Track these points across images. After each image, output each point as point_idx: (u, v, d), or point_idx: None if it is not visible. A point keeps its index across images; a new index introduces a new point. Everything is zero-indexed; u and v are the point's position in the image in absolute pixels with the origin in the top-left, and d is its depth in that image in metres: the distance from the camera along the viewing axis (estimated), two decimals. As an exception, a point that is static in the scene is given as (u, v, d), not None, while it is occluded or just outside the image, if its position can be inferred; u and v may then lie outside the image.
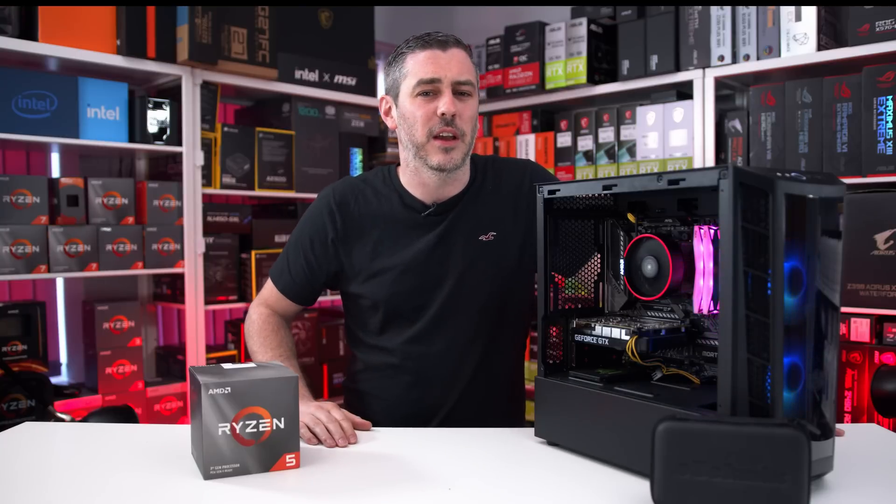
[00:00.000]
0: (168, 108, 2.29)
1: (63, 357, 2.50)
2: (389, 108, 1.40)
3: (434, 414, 1.39)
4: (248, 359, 2.56)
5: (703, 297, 1.03)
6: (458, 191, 1.40)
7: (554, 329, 1.16)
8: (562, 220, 1.18)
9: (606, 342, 1.08)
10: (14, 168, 2.36)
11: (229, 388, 0.98)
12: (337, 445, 1.13)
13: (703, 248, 1.03)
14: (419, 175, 1.37)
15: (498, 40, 2.88)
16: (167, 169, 2.46)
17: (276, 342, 1.41)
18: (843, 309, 1.97)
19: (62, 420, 1.77)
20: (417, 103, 1.31)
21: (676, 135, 2.45)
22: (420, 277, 1.36)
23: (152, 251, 2.30)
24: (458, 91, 1.31)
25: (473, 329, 1.37)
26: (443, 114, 1.29)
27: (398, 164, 1.45)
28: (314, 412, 1.19)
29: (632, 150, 2.57)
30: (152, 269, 2.30)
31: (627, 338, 1.04)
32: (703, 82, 2.36)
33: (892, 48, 1.98)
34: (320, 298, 2.62)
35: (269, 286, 1.49)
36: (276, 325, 1.44)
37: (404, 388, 1.39)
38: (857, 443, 1.10)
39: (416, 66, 1.31)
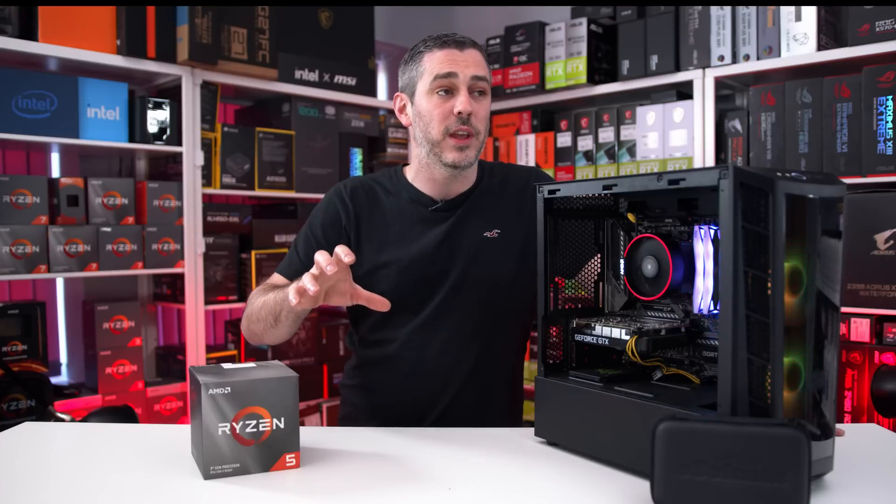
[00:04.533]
0: (168, 108, 2.29)
1: (63, 357, 2.51)
2: (404, 105, 1.43)
3: (432, 407, 1.39)
4: (248, 359, 2.57)
5: (703, 297, 1.03)
6: (466, 188, 1.43)
7: (554, 329, 1.16)
8: (562, 220, 1.18)
9: (606, 342, 1.08)
10: (14, 168, 2.36)
11: (229, 388, 0.98)
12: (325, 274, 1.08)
13: (703, 248, 1.03)
14: (430, 171, 1.40)
15: (498, 40, 2.88)
16: (167, 169, 2.46)
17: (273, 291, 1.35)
18: (843, 309, 1.97)
19: (62, 420, 1.77)
20: (434, 101, 1.34)
21: (676, 135, 2.45)
22: (426, 270, 1.38)
23: (152, 251, 2.30)
24: (474, 89, 1.35)
25: (474, 323, 1.38)
26: (459, 112, 1.32)
27: (404, 165, 1.48)
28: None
29: (632, 150, 2.57)
30: (152, 269, 2.31)
31: (627, 338, 1.04)
32: (703, 82, 2.36)
33: (892, 48, 1.99)
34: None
35: (272, 280, 1.44)
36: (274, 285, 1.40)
37: (403, 379, 1.39)
38: (857, 443, 1.10)
39: (433, 63, 1.34)
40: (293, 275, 1.42)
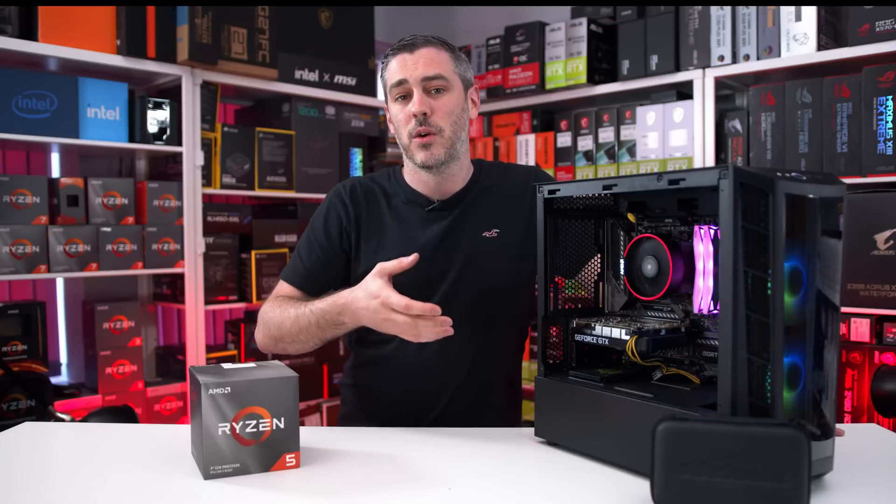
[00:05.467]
0: (168, 108, 2.29)
1: (63, 357, 2.51)
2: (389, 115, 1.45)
3: (430, 407, 1.39)
4: (248, 359, 2.57)
5: (703, 297, 1.03)
6: (460, 187, 1.43)
7: (554, 329, 1.16)
8: (562, 220, 1.18)
9: (606, 342, 1.08)
10: (14, 168, 2.36)
11: (229, 388, 0.98)
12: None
13: (703, 248, 1.03)
14: (417, 174, 1.42)
15: (498, 40, 2.88)
16: (167, 169, 2.46)
17: (295, 304, 1.35)
18: (843, 309, 1.97)
19: (62, 420, 1.77)
20: (397, 108, 1.38)
21: (676, 135, 2.45)
22: (425, 270, 1.37)
23: (152, 251, 2.30)
24: (430, 88, 1.35)
25: (472, 323, 1.38)
26: (414, 114, 1.33)
27: (402, 166, 1.49)
28: (375, 313, 1.16)
29: (632, 150, 2.57)
30: (152, 269, 2.30)
31: (627, 338, 1.04)
32: (703, 82, 2.36)
33: (892, 48, 1.99)
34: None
35: (281, 290, 1.44)
36: (290, 299, 1.40)
37: (401, 379, 1.39)
38: (857, 443, 1.10)
39: (389, 72, 1.38)
40: (299, 282, 1.43)
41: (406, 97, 1.36)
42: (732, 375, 0.85)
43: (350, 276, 1.44)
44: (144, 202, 2.30)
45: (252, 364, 1.10)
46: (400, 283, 1.37)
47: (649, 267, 1.08)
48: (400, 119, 1.37)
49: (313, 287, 1.43)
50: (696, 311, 1.05)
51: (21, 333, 2.09)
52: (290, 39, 2.63)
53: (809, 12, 2.15)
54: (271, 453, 1.01)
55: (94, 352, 2.27)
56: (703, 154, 2.36)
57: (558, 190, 1.12)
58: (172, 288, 2.47)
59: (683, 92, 2.50)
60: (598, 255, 1.22)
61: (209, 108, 2.42)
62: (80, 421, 1.73)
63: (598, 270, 1.22)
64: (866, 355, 1.96)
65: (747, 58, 2.27)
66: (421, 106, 1.33)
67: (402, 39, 1.38)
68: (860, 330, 2.00)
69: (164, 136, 2.29)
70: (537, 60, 2.74)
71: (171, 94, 2.36)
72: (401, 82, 1.35)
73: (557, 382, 1.11)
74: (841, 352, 1.98)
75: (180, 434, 1.18)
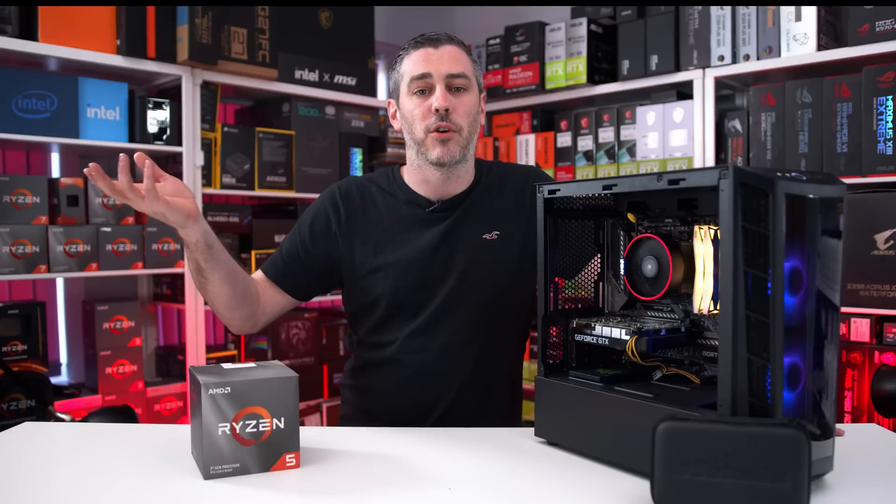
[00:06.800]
0: (168, 108, 2.29)
1: (63, 357, 2.51)
2: (395, 110, 1.44)
3: (431, 409, 1.39)
4: (248, 359, 2.57)
5: (703, 297, 1.03)
6: (462, 189, 1.42)
7: (554, 329, 1.16)
8: (562, 220, 1.18)
9: (606, 342, 1.08)
10: (14, 168, 2.36)
11: (229, 388, 0.98)
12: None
13: (702, 248, 1.03)
14: (422, 172, 1.40)
15: (498, 40, 2.88)
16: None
17: None
18: (843, 309, 1.97)
19: (62, 420, 1.77)
20: (414, 101, 1.36)
21: (676, 135, 2.45)
22: (424, 272, 1.37)
23: (152, 251, 2.30)
24: (452, 85, 1.35)
25: (473, 325, 1.38)
26: (437, 109, 1.32)
27: (401, 165, 1.48)
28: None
29: (632, 150, 2.57)
30: (152, 269, 2.31)
31: (627, 338, 1.04)
32: (703, 82, 2.36)
33: (892, 48, 1.99)
34: (320, 298, 2.62)
35: (256, 276, 1.45)
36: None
37: (402, 382, 1.39)
38: (857, 443, 1.10)
39: (410, 65, 1.36)
40: (274, 274, 1.43)
41: (425, 91, 1.35)
42: (732, 375, 0.85)
43: (344, 276, 1.43)
44: (144, 202, 2.30)
45: (252, 364, 1.10)
46: (399, 285, 1.37)
47: (649, 267, 1.08)
48: (416, 114, 1.35)
49: (287, 282, 1.43)
50: (695, 311, 1.05)
51: (21, 333, 2.09)
52: (290, 39, 2.63)
53: (809, 12, 2.15)
54: (271, 453, 1.01)
55: (94, 352, 2.27)
56: (703, 154, 2.36)
57: (558, 190, 1.12)
58: (172, 288, 2.47)
59: (683, 92, 2.50)
60: (598, 255, 1.21)
61: (209, 108, 2.42)
62: (80, 421, 1.74)
63: (598, 270, 1.21)
64: (866, 355, 1.96)
65: (747, 58, 2.27)
66: (445, 101, 1.32)
67: (423, 34, 1.37)
68: (860, 330, 2.00)
69: (164, 136, 2.29)
70: (537, 60, 2.74)
71: (171, 94, 2.36)
72: (424, 76, 1.33)
73: (557, 382, 1.11)
74: (841, 352, 1.98)
75: (180, 434, 1.18)
